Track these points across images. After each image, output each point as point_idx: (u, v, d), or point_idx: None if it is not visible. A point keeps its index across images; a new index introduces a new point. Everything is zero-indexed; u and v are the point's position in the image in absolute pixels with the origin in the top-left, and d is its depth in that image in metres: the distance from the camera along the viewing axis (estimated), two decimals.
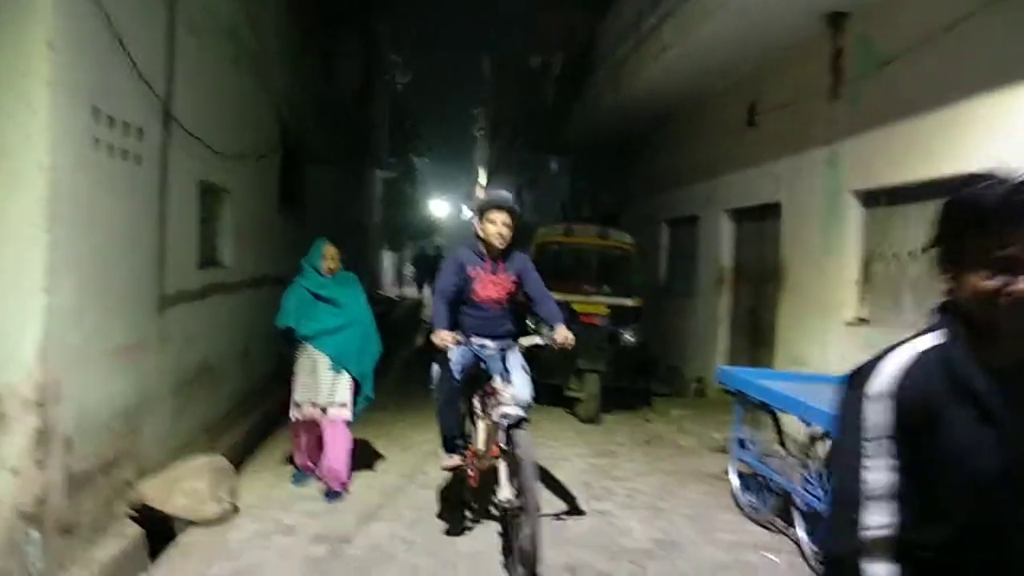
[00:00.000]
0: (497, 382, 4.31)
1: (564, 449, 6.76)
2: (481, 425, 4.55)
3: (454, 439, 4.63)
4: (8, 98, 3.38)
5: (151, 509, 4.24)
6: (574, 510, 5.07)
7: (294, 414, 5.19)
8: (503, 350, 4.47)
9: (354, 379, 5.18)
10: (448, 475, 5.05)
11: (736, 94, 8.73)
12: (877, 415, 1.32)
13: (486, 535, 4.56)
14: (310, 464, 5.38)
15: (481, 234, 4.44)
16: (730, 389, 5.42)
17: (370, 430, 6.44)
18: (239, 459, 5.60)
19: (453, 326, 4.44)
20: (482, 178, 35.50)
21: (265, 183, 7.64)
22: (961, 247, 1.35)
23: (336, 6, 11.88)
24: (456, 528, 4.65)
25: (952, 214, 1.40)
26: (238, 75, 6.48)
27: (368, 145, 18.45)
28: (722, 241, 9.37)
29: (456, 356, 4.40)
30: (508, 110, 25.67)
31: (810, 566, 4.25)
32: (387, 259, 28.51)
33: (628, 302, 8.77)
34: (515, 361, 4.48)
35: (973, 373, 1.32)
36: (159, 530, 4.25)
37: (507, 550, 4.21)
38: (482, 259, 4.48)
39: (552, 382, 7.91)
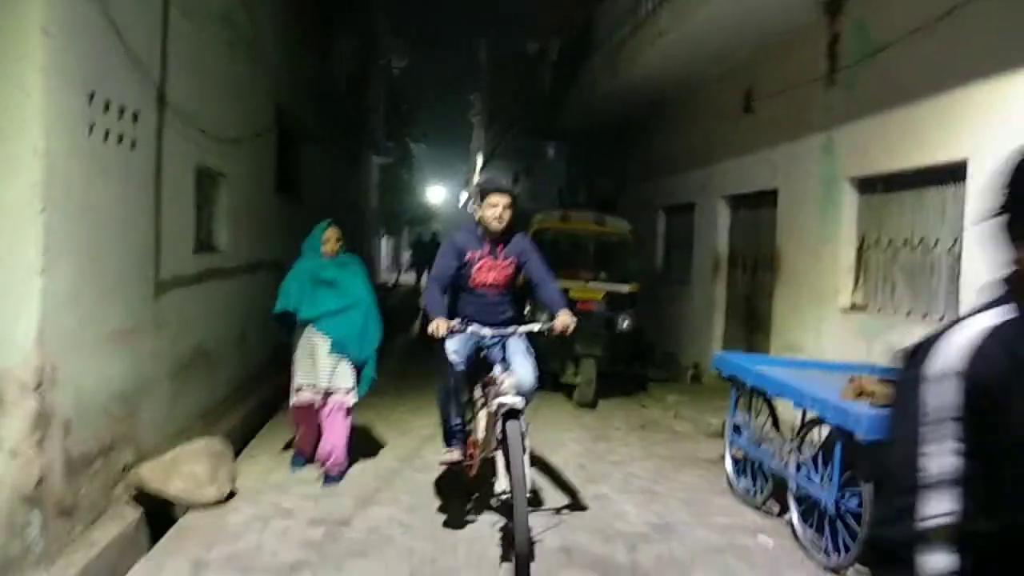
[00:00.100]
0: (496, 370, 4.24)
1: (560, 434, 6.80)
2: (482, 414, 4.47)
3: (455, 431, 4.57)
4: (3, 83, 3.38)
5: (150, 492, 4.27)
6: (570, 496, 5.07)
7: (294, 399, 5.15)
8: (503, 337, 4.37)
9: (355, 362, 5.13)
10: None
11: (732, 80, 8.71)
12: (940, 396, 1.21)
13: (486, 520, 4.56)
14: (311, 450, 5.35)
15: (479, 217, 4.38)
16: (725, 375, 5.45)
17: (368, 415, 6.47)
18: (237, 443, 5.62)
19: (452, 313, 4.35)
20: (479, 164, 35.41)
21: (261, 167, 7.63)
22: None
23: None
24: (455, 519, 4.58)
25: (1022, 177, 1.26)
26: (233, 59, 6.46)
27: (364, 130, 18.40)
28: (718, 228, 9.38)
29: (455, 346, 4.30)
30: (505, 96, 25.57)
31: (804, 550, 4.29)
32: (384, 245, 28.48)
33: (624, 288, 8.78)
34: (517, 347, 4.37)
35: None
36: (158, 513, 4.29)
37: (505, 538, 4.20)
38: (480, 243, 4.39)
39: (549, 368, 7.94)
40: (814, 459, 4.34)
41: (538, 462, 5.54)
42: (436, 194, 42.16)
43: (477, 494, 4.83)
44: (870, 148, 6.03)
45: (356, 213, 16.95)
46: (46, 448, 3.49)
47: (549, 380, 7.96)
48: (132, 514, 4.13)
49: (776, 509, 4.87)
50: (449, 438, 4.63)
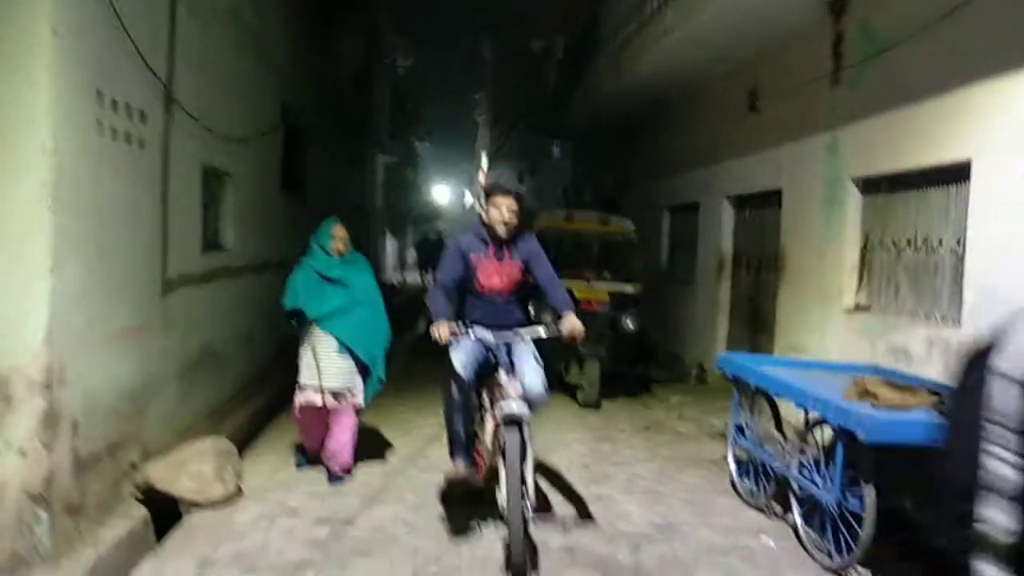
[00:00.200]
0: (501, 376, 4.13)
1: (564, 434, 6.81)
2: (489, 420, 4.25)
3: (461, 446, 4.38)
4: (12, 82, 3.41)
5: (157, 491, 4.30)
6: (573, 500, 5.02)
7: (298, 398, 5.13)
8: (509, 342, 4.22)
9: (362, 363, 5.11)
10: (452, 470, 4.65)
11: (737, 79, 8.72)
12: (1006, 399, 1.07)
13: (491, 521, 4.50)
14: (316, 449, 5.30)
15: (485, 219, 4.26)
16: (729, 375, 5.46)
17: (373, 414, 6.47)
18: (244, 442, 5.66)
19: (458, 317, 4.26)
20: (484, 163, 35.43)
21: (267, 166, 7.66)
22: None
23: None
24: (460, 519, 4.52)
25: None
26: (240, 58, 6.49)
27: (369, 129, 18.44)
28: (723, 227, 9.39)
29: (462, 358, 4.12)
30: (510, 95, 25.60)
31: (806, 550, 4.31)
32: (389, 244, 28.53)
33: (628, 288, 8.79)
34: (524, 353, 4.20)
35: None
36: (165, 511, 4.32)
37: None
38: (485, 245, 4.27)
39: (553, 368, 7.96)
40: (817, 460, 4.35)
41: (541, 463, 5.49)
42: (441, 193, 42.26)
43: (483, 497, 4.67)
44: (874, 148, 6.03)
45: (361, 212, 16.98)
46: (55, 447, 3.52)
47: (555, 380, 7.98)
48: (139, 512, 4.15)
49: (779, 510, 4.88)
50: (455, 453, 4.45)
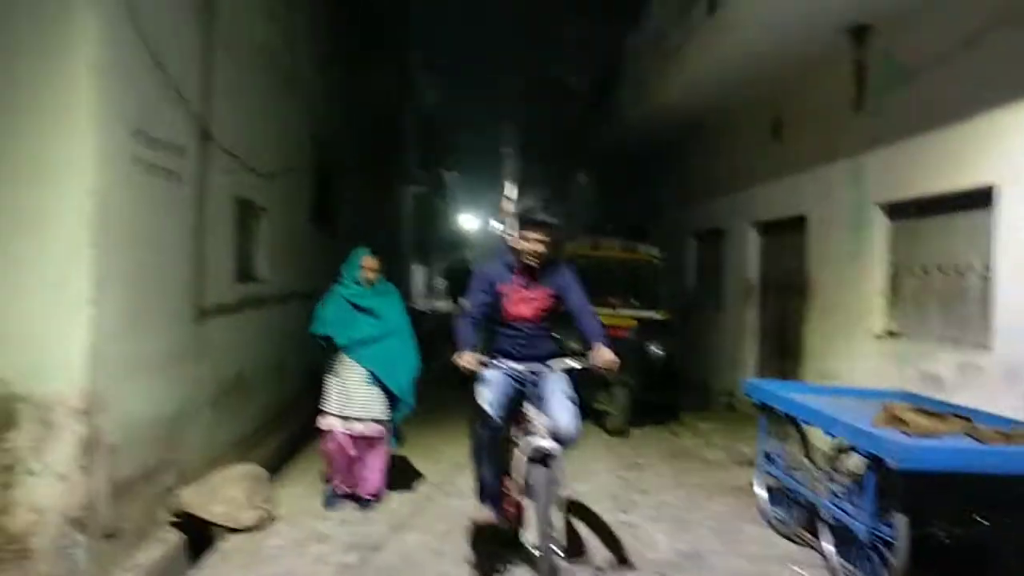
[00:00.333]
0: (530, 410, 3.96)
1: (591, 462, 6.80)
2: (519, 454, 4.00)
3: (490, 487, 4.19)
4: (55, 122, 3.55)
5: (191, 516, 4.38)
6: (604, 535, 4.88)
7: (323, 423, 5.11)
8: (539, 374, 4.03)
9: (390, 391, 5.11)
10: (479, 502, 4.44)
11: (761, 107, 8.77)
12: None
13: (519, 550, 4.29)
14: (344, 487, 5.24)
15: (516, 246, 4.13)
16: (756, 402, 5.44)
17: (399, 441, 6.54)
18: (275, 468, 5.74)
19: (486, 348, 4.13)
20: (511, 192, 35.68)
21: (298, 198, 7.83)
22: None
23: (368, 24, 12.13)
24: (488, 569, 4.27)
25: None
26: (273, 93, 6.68)
27: (399, 160, 18.72)
28: (749, 254, 9.38)
29: (490, 395, 3.98)
30: (536, 125, 25.83)
31: None
32: (418, 272, 28.75)
33: (656, 315, 8.80)
34: (555, 387, 4.02)
35: None
36: (198, 536, 4.40)
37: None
38: (513, 273, 4.15)
39: (580, 395, 7.94)
40: (847, 488, 4.32)
41: (573, 501, 5.18)
42: (469, 221, 42.56)
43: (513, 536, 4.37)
44: (899, 174, 6.03)
45: (391, 241, 17.19)
46: (93, 472, 3.62)
47: (584, 409, 7.94)
48: (174, 537, 4.24)
49: (810, 538, 4.83)
50: (483, 496, 4.26)
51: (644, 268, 9.50)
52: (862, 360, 6.46)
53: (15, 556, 3.52)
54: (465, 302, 4.25)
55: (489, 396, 3.98)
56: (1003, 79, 4.86)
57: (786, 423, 5.15)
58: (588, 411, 8.14)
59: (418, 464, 6.36)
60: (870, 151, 6.43)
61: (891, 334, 6.26)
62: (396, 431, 5.29)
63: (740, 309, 9.53)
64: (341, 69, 10.19)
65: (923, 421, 4.15)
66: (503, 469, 4.15)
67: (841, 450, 4.52)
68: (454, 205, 38.40)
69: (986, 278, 5.16)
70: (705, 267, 11.35)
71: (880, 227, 6.41)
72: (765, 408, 5.32)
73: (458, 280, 22.28)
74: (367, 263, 5.18)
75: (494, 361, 4.03)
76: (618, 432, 8.00)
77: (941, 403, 4.76)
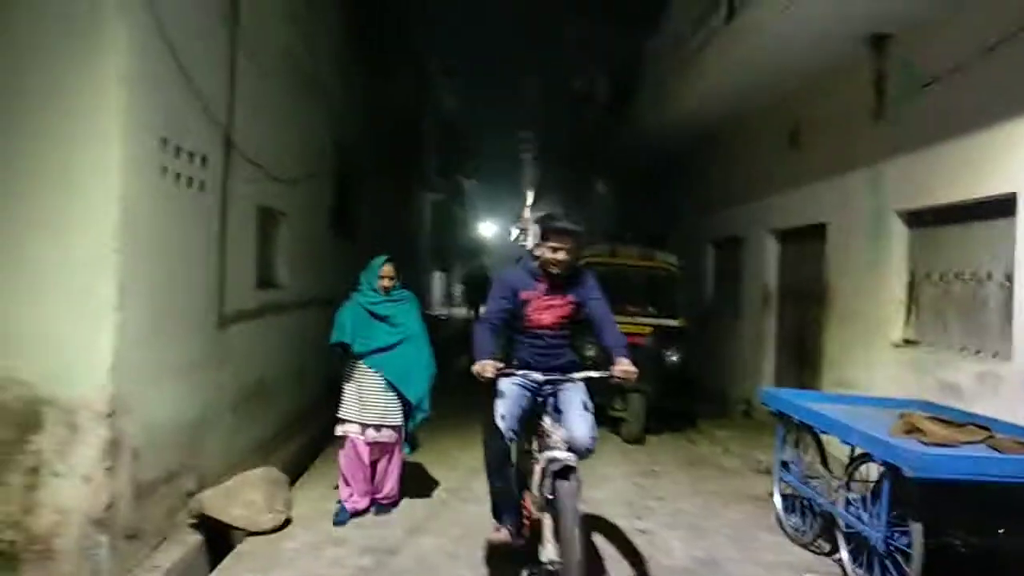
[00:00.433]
0: (546, 422, 3.87)
1: (607, 469, 6.81)
2: (537, 468, 3.88)
3: (506, 505, 4.10)
4: (83, 131, 3.64)
5: (210, 518, 4.45)
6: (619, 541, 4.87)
7: (339, 430, 5.12)
8: (557, 385, 3.95)
9: (406, 399, 5.11)
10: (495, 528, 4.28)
11: (779, 115, 8.76)
12: None
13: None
14: (356, 500, 5.17)
15: (539, 254, 4.05)
16: (773, 410, 5.43)
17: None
18: (293, 473, 5.81)
19: (504, 356, 4.03)
20: (529, 199, 35.77)
21: (319, 205, 7.92)
22: None
23: (388, 31, 12.25)
24: (502, 552, 4.23)
25: None
26: (295, 100, 6.77)
27: (417, 167, 18.84)
28: (767, 262, 9.36)
29: (504, 409, 3.92)
30: (555, 132, 25.91)
31: None
32: (436, 279, 28.89)
33: (673, 323, 8.79)
34: (573, 397, 3.95)
35: None
36: (217, 539, 4.47)
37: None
38: (536, 281, 4.05)
39: (596, 402, 7.95)
40: (863, 496, 4.30)
41: (584, 499, 5.29)
42: (487, 228, 42.71)
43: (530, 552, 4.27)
44: (918, 182, 6.01)
45: (409, 248, 17.30)
46: (116, 474, 3.69)
47: (601, 417, 7.94)
48: (194, 539, 4.31)
49: (826, 547, 4.81)
50: (499, 512, 4.17)
51: (661, 275, 9.50)
52: (880, 369, 6.43)
53: (39, 556, 3.60)
54: (485, 309, 4.18)
55: (504, 411, 3.92)
56: (1023, 87, 4.84)
57: (803, 431, 5.14)
58: (604, 418, 8.17)
59: (434, 469, 6.40)
60: (889, 159, 6.41)
61: (909, 343, 6.22)
62: (410, 438, 5.32)
63: (758, 317, 9.50)
64: (361, 76, 10.31)
65: (940, 430, 4.13)
66: (520, 484, 4.08)
67: (857, 459, 4.51)
68: (472, 212, 38.52)
69: (1006, 287, 5.12)
70: (723, 275, 11.33)
71: (899, 235, 6.38)
72: (782, 416, 5.31)
73: (476, 287, 22.41)
74: (385, 271, 5.20)
75: (512, 371, 3.92)
76: (634, 439, 8.00)
77: (959, 412, 4.73)
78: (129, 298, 3.74)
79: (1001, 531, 3.86)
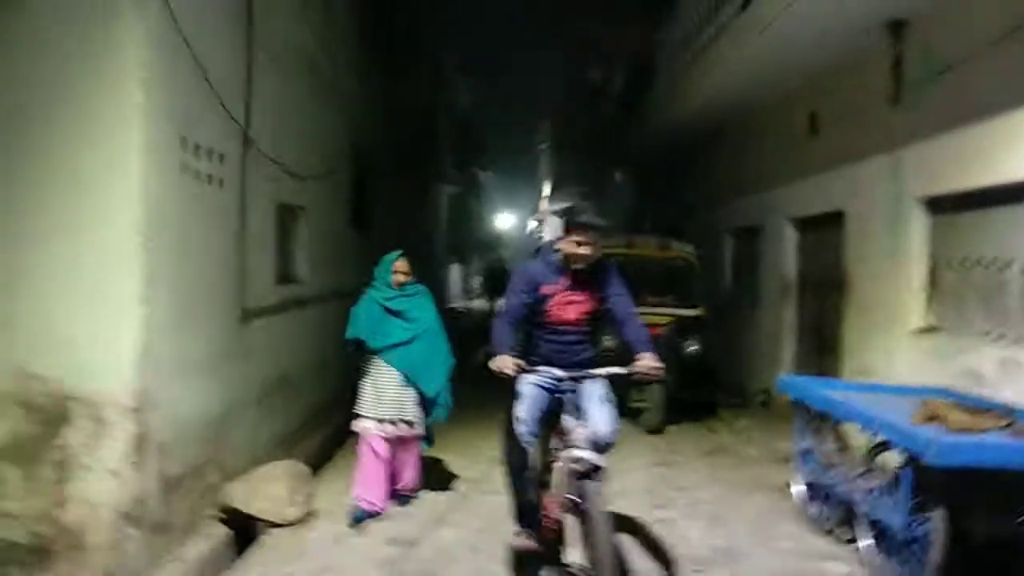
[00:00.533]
0: (568, 421, 3.75)
1: (628, 459, 6.82)
2: (559, 467, 3.77)
3: (528, 511, 4.01)
4: (106, 132, 3.71)
5: (236, 511, 4.53)
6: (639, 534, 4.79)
7: (357, 426, 5.11)
8: (578, 380, 3.84)
9: (423, 394, 5.13)
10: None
11: (796, 103, 8.69)
12: None
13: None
14: (372, 501, 5.06)
15: (562, 248, 3.90)
16: (792, 399, 5.43)
17: (438, 439, 6.62)
18: (316, 465, 5.89)
19: (526, 354, 3.91)
20: (546, 191, 35.73)
21: (337, 200, 7.98)
22: None
23: (404, 26, 12.28)
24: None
25: None
26: (311, 98, 6.82)
27: (434, 161, 18.89)
28: (786, 250, 9.30)
29: (525, 406, 3.85)
30: (571, 124, 25.85)
31: None
32: (454, 272, 28.98)
33: (691, 313, 8.78)
34: (594, 392, 3.87)
35: None
36: (242, 531, 4.54)
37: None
38: (558, 275, 3.91)
39: (616, 393, 7.97)
40: (884, 484, 4.29)
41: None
42: (504, 220, 42.70)
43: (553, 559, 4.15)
44: (938, 168, 5.95)
45: (427, 242, 17.37)
46: (144, 468, 3.77)
47: (621, 407, 7.95)
48: (220, 531, 4.39)
49: (847, 536, 4.81)
50: (522, 517, 4.09)
51: (679, 266, 9.49)
52: (901, 356, 6.39)
53: (70, 549, 3.68)
54: (504, 304, 4.06)
55: (523, 414, 3.85)
56: None
57: (822, 420, 5.13)
58: (624, 409, 8.18)
59: (455, 461, 6.46)
60: (908, 145, 6.35)
61: (930, 330, 6.17)
62: (428, 432, 5.33)
63: (777, 306, 9.46)
64: (377, 71, 10.35)
65: (962, 417, 4.11)
66: (541, 486, 3.97)
67: (877, 447, 4.50)
68: (489, 205, 38.55)
69: None
70: (741, 264, 11.28)
71: (919, 221, 6.33)
72: (800, 405, 5.30)
73: (495, 279, 22.47)
74: (398, 266, 5.18)
75: (532, 368, 3.80)
76: (654, 429, 8.01)
77: (981, 399, 4.70)
78: (153, 294, 3.80)
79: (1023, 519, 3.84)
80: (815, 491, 5.22)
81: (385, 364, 5.09)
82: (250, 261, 5.17)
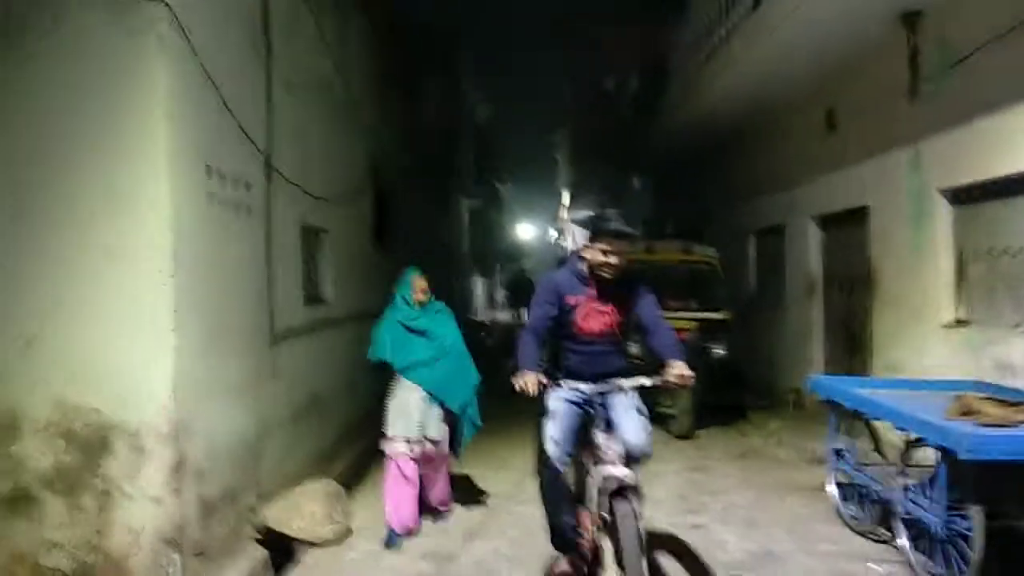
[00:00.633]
0: (598, 437, 3.65)
1: (659, 465, 6.78)
2: (592, 484, 3.67)
3: (565, 530, 3.84)
4: (134, 165, 3.79)
5: (273, 531, 4.59)
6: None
7: (386, 447, 5.07)
8: (608, 394, 3.75)
9: (451, 411, 5.12)
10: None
11: (813, 99, 8.67)
12: None
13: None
14: (403, 522, 5.01)
15: (588, 257, 3.78)
16: (823, 398, 5.39)
17: (469, 452, 6.64)
18: (350, 483, 5.94)
19: (553, 366, 3.85)
20: (565, 199, 35.75)
21: (359, 220, 8.07)
22: None
23: (420, 42, 12.41)
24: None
25: None
26: (331, 121, 6.92)
27: (454, 176, 19.02)
28: (810, 248, 9.25)
29: (555, 431, 3.74)
30: (587, 131, 25.87)
31: (914, 574, 4.20)
32: (478, 284, 29.06)
33: (716, 315, 8.75)
34: (626, 404, 3.78)
35: None
36: (281, 551, 4.60)
37: None
38: (584, 285, 3.81)
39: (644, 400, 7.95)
40: (921, 482, 4.26)
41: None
42: (525, 231, 42.79)
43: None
44: (959, 158, 5.91)
45: (450, 257, 17.47)
46: (183, 494, 3.84)
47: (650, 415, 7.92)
48: (258, 553, 4.44)
49: (885, 535, 4.77)
50: (557, 540, 3.92)
51: (702, 269, 9.46)
52: (932, 351, 6.33)
53: (114, 575, 3.76)
54: (528, 316, 3.95)
55: (555, 434, 3.75)
56: None
57: (855, 419, 5.09)
58: (653, 415, 8.15)
59: (486, 474, 6.48)
60: (928, 137, 6.32)
61: (960, 323, 6.11)
62: (456, 448, 5.32)
63: (803, 305, 9.40)
64: (395, 89, 10.46)
65: (997, 411, 4.07)
66: (572, 508, 3.87)
67: (912, 444, 4.46)
68: (510, 216, 38.67)
69: None
70: (765, 265, 11.22)
71: (943, 214, 6.28)
72: (832, 404, 5.27)
73: (519, 290, 22.50)
74: (416, 284, 5.17)
75: (559, 383, 3.72)
76: (684, 434, 7.99)
77: (1016, 391, 4.64)
78: (185, 322, 3.88)
79: None
80: (850, 491, 5.17)
81: (410, 383, 5.06)
82: (277, 284, 5.25)
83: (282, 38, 5.43)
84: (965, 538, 3.79)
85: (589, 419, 3.77)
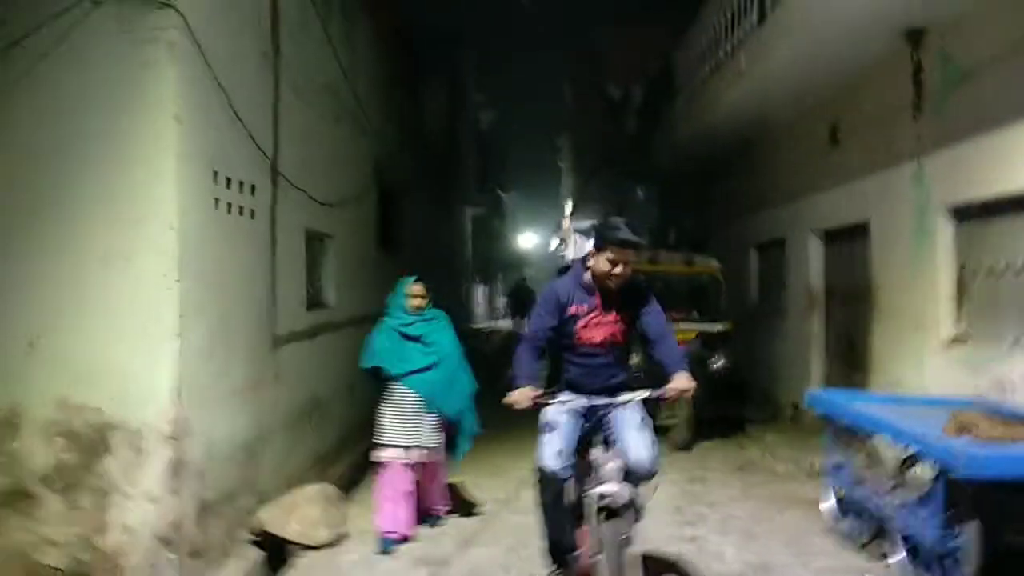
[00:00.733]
0: (597, 453, 3.61)
1: (657, 476, 6.80)
2: (589, 503, 3.61)
3: (562, 548, 3.75)
4: (141, 168, 3.84)
5: (269, 534, 4.60)
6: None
7: (379, 456, 5.03)
8: (609, 407, 3.68)
9: (448, 419, 5.13)
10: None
11: (817, 114, 8.69)
12: None
13: None
14: (395, 529, 4.97)
15: (592, 264, 3.67)
16: (820, 413, 5.40)
17: (466, 460, 6.65)
18: (347, 487, 5.95)
19: (554, 378, 3.78)
20: (568, 208, 35.83)
21: (363, 226, 8.09)
22: None
23: (424, 51, 12.47)
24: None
25: None
26: (336, 128, 6.96)
27: (457, 183, 19.07)
28: (811, 262, 9.26)
29: (554, 444, 3.61)
30: (591, 141, 25.94)
31: None
32: (479, 292, 29.10)
33: (717, 327, 8.76)
34: (628, 419, 3.68)
35: None
36: (276, 553, 4.61)
37: None
38: (588, 295, 3.70)
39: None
40: (917, 498, 4.26)
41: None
42: (528, 239, 42.86)
43: None
44: (962, 175, 5.92)
45: (452, 263, 17.49)
46: (181, 494, 3.86)
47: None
48: (254, 555, 4.46)
49: (881, 550, 4.76)
50: (555, 557, 3.81)
51: (704, 281, 9.48)
52: (931, 367, 6.33)
53: (109, 573, 3.77)
54: (529, 326, 3.86)
55: (557, 446, 3.61)
56: None
57: (852, 434, 5.10)
58: (653, 427, 8.16)
59: (482, 481, 6.48)
60: (931, 153, 6.33)
61: (960, 340, 6.11)
62: (454, 455, 5.33)
63: (804, 319, 9.40)
64: (399, 97, 10.51)
65: (994, 428, 4.07)
66: (571, 527, 3.74)
67: (908, 459, 4.47)
68: (512, 224, 38.75)
69: None
70: (767, 278, 11.23)
71: (945, 230, 6.29)
72: (829, 419, 5.28)
73: (520, 299, 22.54)
74: (413, 290, 5.14)
75: (557, 396, 3.65)
76: (683, 446, 7.98)
77: (1013, 410, 4.65)
78: (189, 324, 3.91)
79: None
80: (847, 506, 5.17)
81: (405, 390, 5.03)
82: (280, 288, 5.28)
83: (290, 43, 5.47)
84: (960, 556, 3.79)
85: (588, 432, 3.72)
